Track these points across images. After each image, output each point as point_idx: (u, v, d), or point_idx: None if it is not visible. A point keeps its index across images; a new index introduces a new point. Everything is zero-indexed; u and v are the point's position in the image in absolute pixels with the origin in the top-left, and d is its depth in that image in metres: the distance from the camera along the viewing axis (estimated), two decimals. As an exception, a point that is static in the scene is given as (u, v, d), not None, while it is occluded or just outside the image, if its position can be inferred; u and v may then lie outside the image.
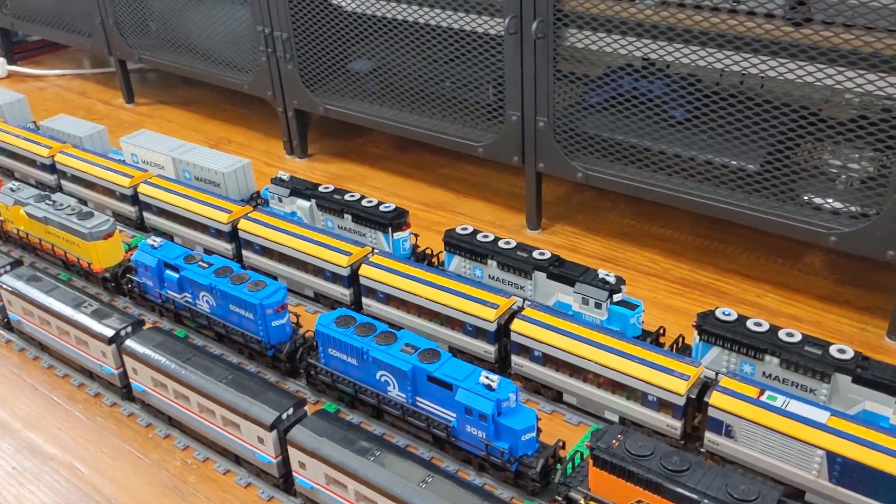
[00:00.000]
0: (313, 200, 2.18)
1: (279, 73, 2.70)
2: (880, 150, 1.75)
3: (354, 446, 1.40)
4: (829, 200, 1.83)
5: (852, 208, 1.80)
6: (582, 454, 1.49)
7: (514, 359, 1.73)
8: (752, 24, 1.75)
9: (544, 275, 1.85)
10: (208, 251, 2.22)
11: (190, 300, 1.91)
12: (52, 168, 2.57)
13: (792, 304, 1.98)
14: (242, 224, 2.10)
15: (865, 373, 1.48)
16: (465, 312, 1.75)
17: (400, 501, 1.31)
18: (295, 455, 1.45)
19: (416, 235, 2.14)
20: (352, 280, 1.93)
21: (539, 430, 1.53)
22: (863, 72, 1.65)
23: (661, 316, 1.95)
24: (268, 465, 1.52)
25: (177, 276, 1.90)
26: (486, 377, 1.49)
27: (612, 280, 1.77)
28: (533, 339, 1.68)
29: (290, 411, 1.49)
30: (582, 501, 1.41)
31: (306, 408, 1.52)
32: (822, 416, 1.40)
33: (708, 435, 1.50)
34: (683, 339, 1.76)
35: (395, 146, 2.89)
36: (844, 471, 1.36)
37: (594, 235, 2.33)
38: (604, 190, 2.23)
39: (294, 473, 1.48)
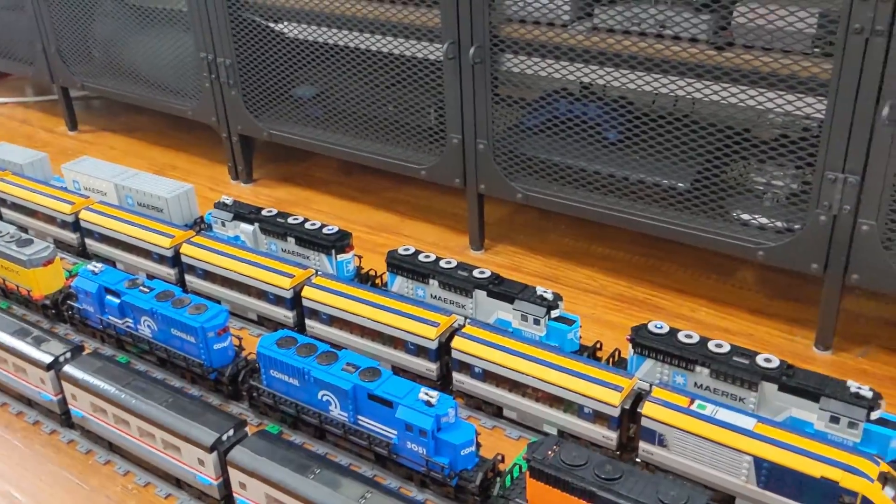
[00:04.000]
0: (256, 224, 2.19)
1: (223, 98, 2.71)
2: (801, 167, 1.83)
3: (294, 465, 1.41)
4: (757, 216, 1.91)
5: (778, 224, 1.88)
6: (521, 467, 1.52)
7: (456, 376, 1.76)
8: (677, 49, 1.82)
9: (484, 293, 1.88)
10: (151, 277, 2.21)
11: (131, 325, 1.90)
12: (-9, 196, 2.54)
13: (725, 317, 2.05)
14: (185, 249, 2.11)
15: (790, 381, 1.54)
16: (407, 331, 1.77)
17: (339, 518, 1.32)
18: (235, 476, 1.46)
19: (360, 257, 2.16)
20: (294, 302, 1.95)
21: (479, 445, 1.55)
22: (782, 93, 1.73)
23: (599, 331, 2.00)
24: (209, 488, 1.52)
25: (118, 301, 1.90)
26: (426, 393, 1.52)
27: (549, 297, 1.82)
28: (473, 356, 1.71)
29: (231, 432, 1.50)
30: (520, 513, 1.44)
31: (247, 428, 1.53)
32: (749, 423, 1.45)
33: (642, 445, 1.54)
34: (619, 352, 1.81)
35: (341, 170, 2.92)
36: (771, 475, 1.41)
37: (536, 255, 2.38)
38: (545, 210, 2.28)
39: (235, 494, 1.49)
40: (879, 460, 1.37)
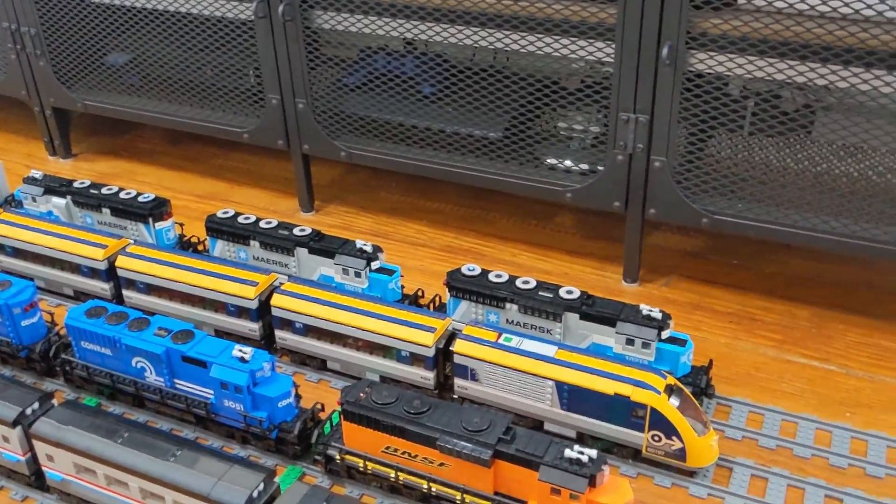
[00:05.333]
0: (69, 197, 2.11)
1: (31, 70, 2.57)
2: (599, 111, 1.92)
3: (102, 431, 1.38)
4: (563, 161, 2.00)
5: (582, 166, 1.98)
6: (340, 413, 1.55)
7: (278, 333, 1.76)
8: None
9: (306, 250, 1.89)
10: (-43, 259, 2.09)
11: (-69, 309, 1.80)
12: None
13: (544, 259, 2.14)
14: (-10, 226, 2.00)
15: (590, 309, 1.64)
16: (226, 293, 1.76)
17: (149, 478, 1.31)
18: (41, 448, 1.41)
19: (182, 224, 2.12)
20: (110, 274, 1.89)
21: (299, 397, 1.57)
22: (575, 38, 1.81)
23: (426, 281, 2.04)
24: (17, 465, 1.47)
25: (-88, 284, 1.78)
26: (240, 350, 1.52)
27: (369, 249, 1.84)
28: (293, 312, 1.72)
29: (36, 406, 1.45)
30: (338, 456, 1.47)
31: (54, 401, 1.48)
32: (550, 350, 1.53)
33: (457, 381, 1.60)
34: (440, 297, 1.86)
35: (167, 140, 2.83)
36: (572, 397, 1.49)
37: (367, 213, 2.40)
38: (377, 170, 2.30)
39: (44, 468, 1.44)
40: (666, 374, 1.49)
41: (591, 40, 1.80)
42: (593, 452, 1.27)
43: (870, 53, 1.57)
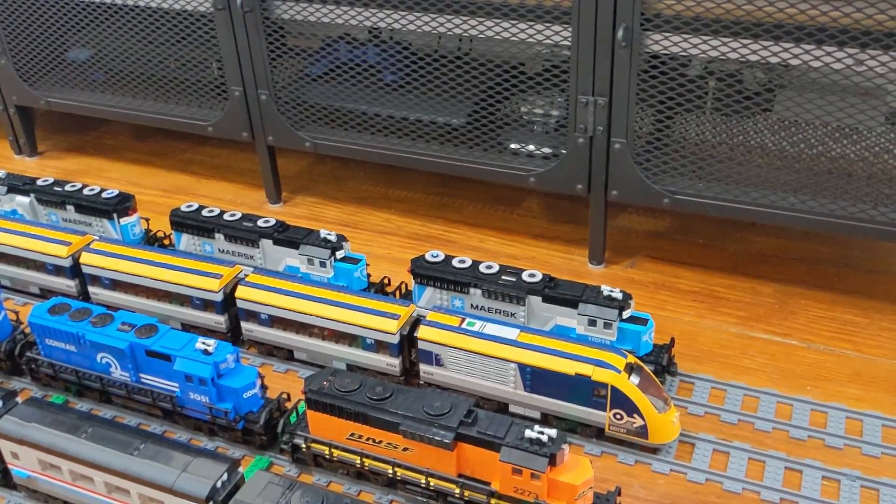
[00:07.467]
0: (32, 195, 2.10)
1: (-7, 68, 2.55)
2: (560, 94, 1.93)
3: (65, 427, 1.38)
4: (525, 145, 2.00)
5: (545, 150, 1.98)
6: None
7: (244, 325, 1.77)
8: (435, -14, 1.87)
9: (270, 241, 1.89)
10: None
11: None
12: None
13: (511, 244, 2.15)
14: (-48, 227, 1.99)
15: (553, 292, 1.65)
16: (190, 286, 1.76)
17: (113, 472, 1.31)
18: (6, 446, 1.41)
19: (147, 220, 2.11)
20: (75, 271, 1.89)
21: (265, 388, 1.57)
22: (533, 23, 1.81)
23: (393, 269, 2.05)
24: (-18, 464, 1.47)
25: None
26: (203, 342, 1.52)
27: (333, 239, 1.85)
28: (257, 303, 1.72)
29: (-1, 405, 1.45)
30: (304, 445, 1.48)
31: (18, 398, 1.48)
32: (512, 333, 1.54)
33: (422, 367, 1.61)
34: (406, 285, 1.87)
35: (134, 136, 2.82)
36: (534, 378, 1.51)
37: (335, 203, 2.40)
38: (345, 160, 2.30)
39: (9, 465, 1.44)
40: (627, 353, 1.50)
41: (549, 24, 1.81)
42: (553, 432, 1.29)
43: (821, 30, 1.59)
